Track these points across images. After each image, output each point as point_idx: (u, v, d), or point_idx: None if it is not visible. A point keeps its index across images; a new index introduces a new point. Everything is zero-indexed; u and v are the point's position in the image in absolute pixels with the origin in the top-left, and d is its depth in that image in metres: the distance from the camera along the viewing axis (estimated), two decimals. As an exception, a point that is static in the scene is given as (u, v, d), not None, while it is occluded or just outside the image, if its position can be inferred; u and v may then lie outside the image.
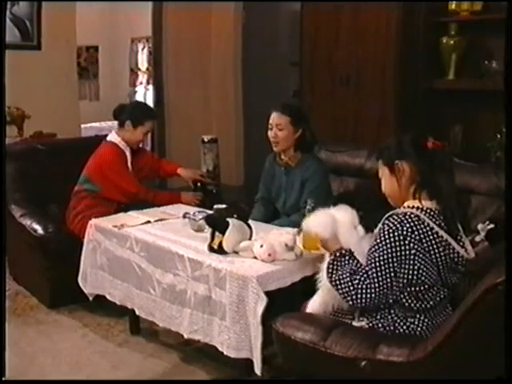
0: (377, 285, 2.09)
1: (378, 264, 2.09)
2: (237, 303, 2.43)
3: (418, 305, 2.15)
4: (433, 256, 2.11)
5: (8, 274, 3.90)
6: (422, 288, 2.12)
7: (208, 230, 2.72)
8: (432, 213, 2.13)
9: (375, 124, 4.32)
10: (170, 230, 3.02)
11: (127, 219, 3.22)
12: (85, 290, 3.28)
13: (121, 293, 3.07)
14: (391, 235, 2.08)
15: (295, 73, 5.00)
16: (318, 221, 2.31)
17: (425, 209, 2.13)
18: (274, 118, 3.31)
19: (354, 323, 2.24)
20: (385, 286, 2.09)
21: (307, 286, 2.45)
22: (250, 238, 2.67)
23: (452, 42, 4.03)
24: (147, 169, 3.87)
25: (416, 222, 2.09)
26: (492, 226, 2.62)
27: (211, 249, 2.65)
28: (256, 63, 6.03)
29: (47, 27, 5.12)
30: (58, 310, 3.54)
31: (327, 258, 2.26)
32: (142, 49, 9.38)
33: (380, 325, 2.20)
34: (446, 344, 1.89)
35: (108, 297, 3.16)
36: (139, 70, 9.62)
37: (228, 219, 2.64)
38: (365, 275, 2.11)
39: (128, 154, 3.70)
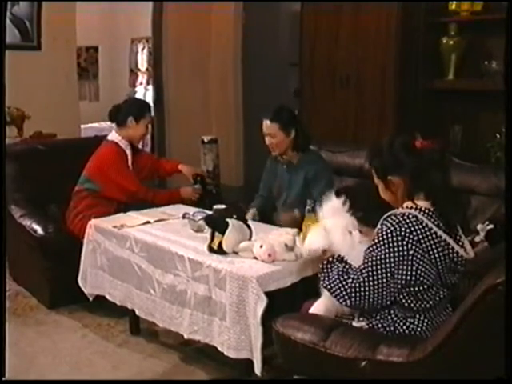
0: (371, 283, 2.09)
1: (373, 264, 2.10)
2: (237, 303, 2.43)
3: (417, 305, 2.15)
4: (431, 256, 2.11)
5: (8, 275, 3.89)
6: (420, 288, 2.12)
7: (208, 231, 2.72)
8: (430, 213, 2.13)
9: (375, 124, 4.32)
10: (170, 231, 3.02)
11: (127, 219, 3.22)
12: (85, 290, 3.28)
13: (121, 293, 3.07)
14: (389, 236, 2.08)
15: (295, 73, 5.00)
16: (310, 238, 2.36)
17: (423, 209, 2.13)
18: (265, 126, 3.36)
19: (354, 323, 2.24)
20: (380, 285, 2.09)
21: (307, 287, 2.45)
22: (249, 239, 2.68)
23: (452, 42, 4.03)
24: (147, 169, 3.87)
25: (414, 223, 2.09)
26: (492, 226, 2.63)
27: (211, 249, 2.65)
28: (256, 63, 6.03)
29: (47, 28, 5.12)
30: (57, 311, 3.54)
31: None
32: (142, 49, 9.38)
33: (380, 325, 2.20)
34: (445, 344, 1.89)
35: (108, 297, 3.16)
36: (139, 70, 9.62)
37: (228, 219, 2.64)
38: (358, 274, 2.13)
39: (129, 152, 3.71)
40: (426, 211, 2.12)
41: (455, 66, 4.05)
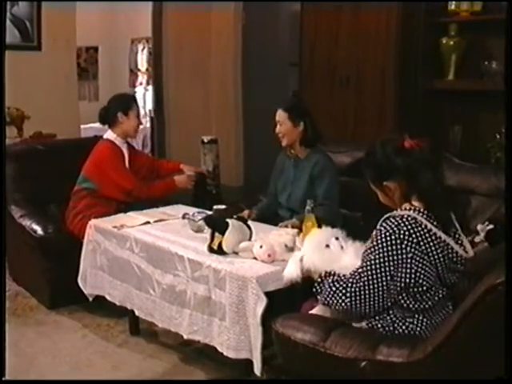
0: (371, 287, 2.09)
1: (372, 267, 2.09)
2: (236, 304, 2.43)
3: (416, 305, 2.15)
4: (431, 258, 2.10)
5: (8, 275, 3.89)
6: (420, 289, 2.12)
7: (207, 231, 2.72)
8: (427, 213, 2.13)
9: (375, 124, 4.32)
10: (170, 231, 3.02)
11: (127, 220, 3.22)
12: (84, 290, 3.28)
13: (120, 293, 3.07)
14: (388, 239, 2.08)
15: (295, 73, 5.00)
16: (287, 268, 2.36)
17: (421, 210, 2.13)
18: (277, 114, 3.48)
19: (354, 324, 2.24)
20: (380, 288, 2.09)
21: (307, 287, 2.44)
22: (249, 239, 2.68)
23: (452, 42, 4.03)
24: (145, 169, 3.86)
25: (413, 225, 2.08)
26: (492, 226, 2.63)
27: (211, 249, 2.65)
28: (256, 64, 6.03)
29: (47, 28, 5.12)
30: (57, 311, 3.54)
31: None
32: (142, 49, 9.37)
33: (379, 325, 2.19)
34: (445, 344, 1.88)
35: (108, 297, 3.16)
36: (139, 70, 9.61)
37: (227, 220, 2.64)
38: (357, 278, 2.12)
39: (125, 150, 3.71)
40: (424, 212, 2.12)
41: (455, 66, 4.05)
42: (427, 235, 2.09)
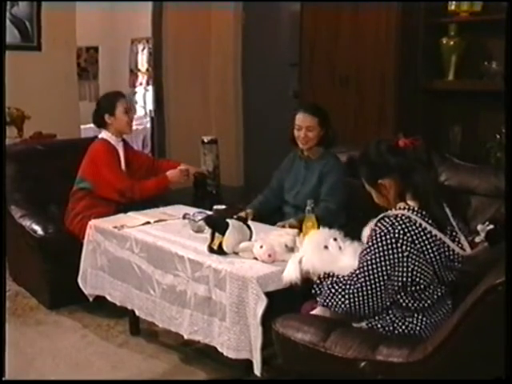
0: (368, 287, 2.10)
1: (369, 268, 2.10)
2: (237, 304, 2.43)
3: (415, 304, 2.15)
4: (427, 256, 2.11)
5: (8, 275, 3.89)
6: (417, 288, 2.13)
7: (208, 231, 2.72)
8: (422, 212, 2.14)
9: (375, 125, 4.32)
10: (170, 231, 3.02)
11: (127, 220, 3.22)
12: (85, 290, 3.28)
13: (121, 293, 3.07)
14: (383, 238, 2.09)
15: (295, 73, 5.00)
16: (286, 270, 2.37)
17: (415, 209, 2.14)
18: (304, 119, 3.39)
19: (354, 324, 2.24)
20: (377, 289, 2.10)
21: (307, 287, 2.44)
22: (249, 239, 2.68)
23: (452, 42, 4.03)
24: (144, 170, 3.84)
25: (408, 224, 2.09)
26: (492, 226, 2.63)
27: (211, 249, 2.65)
28: (255, 64, 6.03)
29: (47, 28, 5.11)
30: (57, 311, 3.54)
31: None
32: (142, 50, 9.38)
33: (379, 325, 2.20)
34: (445, 345, 1.89)
35: (108, 297, 3.16)
36: (139, 70, 9.62)
37: (228, 220, 2.64)
38: (354, 279, 2.13)
39: (121, 149, 3.71)
40: (419, 211, 2.13)
41: (455, 66, 4.05)
42: (422, 233, 2.10)
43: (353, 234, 2.43)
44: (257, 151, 6.11)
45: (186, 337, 2.72)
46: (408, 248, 2.08)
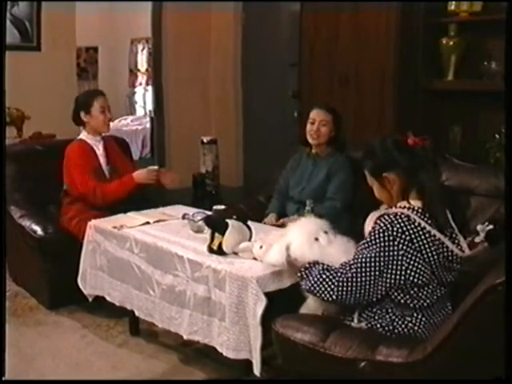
0: (358, 280, 2.12)
1: (363, 261, 2.13)
2: (236, 304, 2.43)
3: (414, 302, 2.17)
4: (425, 255, 2.12)
5: (7, 275, 3.89)
6: (414, 287, 2.14)
7: (207, 231, 2.72)
8: (423, 212, 2.14)
9: (374, 124, 4.32)
10: (170, 231, 3.02)
11: (126, 220, 3.22)
12: (84, 290, 3.28)
13: (120, 294, 3.07)
14: (381, 235, 2.11)
15: (294, 74, 5.00)
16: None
17: (416, 208, 2.15)
18: (318, 114, 3.51)
19: (353, 324, 2.25)
20: (367, 282, 2.12)
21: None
22: (249, 239, 2.68)
23: (451, 42, 4.02)
24: (120, 172, 3.67)
25: (406, 222, 2.11)
26: (491, 226, 2.63)
27: (211, 250, 2.65)
28: (255, 64, 6.03)
29: (47, 28, 5.12)
30: (57, 311, 3.54)
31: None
32: (142, 50, 9.39)
33: (379, 325, 2.20)
34: (445, 345, 1.89)
35: (107, 298, 3.16)
36: (139, 70, 9.63)
37: (227, 220, 2.64)
38: (347, 269, 2.16)
39: (100, 148, 3.69)
40: (420, 210, 2.14)
41: (455, 66, 4.05)
42: (421, 233, 2.11)
43: (355, 233, 2.43)
44: (256, 151, 6.11)
45: (185, 337, 2.72)
46: (404, 247, 2.10)
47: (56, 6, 5.09)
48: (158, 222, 3.21)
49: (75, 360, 3.03)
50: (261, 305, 2.36)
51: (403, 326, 2.17)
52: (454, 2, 3.93)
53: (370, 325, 2.22)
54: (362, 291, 2.14)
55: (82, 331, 3.33)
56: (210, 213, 3.11)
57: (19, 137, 4.80)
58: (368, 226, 2.28)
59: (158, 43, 6.20)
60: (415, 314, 2.17)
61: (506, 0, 3.43)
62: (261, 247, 2.55)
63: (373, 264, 2.11)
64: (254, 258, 2.57)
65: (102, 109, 3.67)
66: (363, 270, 2.12)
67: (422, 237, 2.11)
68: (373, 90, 4.34)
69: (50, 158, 3.99)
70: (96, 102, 3.65)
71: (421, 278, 2.13)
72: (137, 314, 3.01)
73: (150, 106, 8.66)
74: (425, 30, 4.06)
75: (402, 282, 2.13)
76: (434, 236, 2.13)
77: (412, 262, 2.11)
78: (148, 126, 8.71)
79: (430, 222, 2.13)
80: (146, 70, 9.26)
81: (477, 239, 2.64)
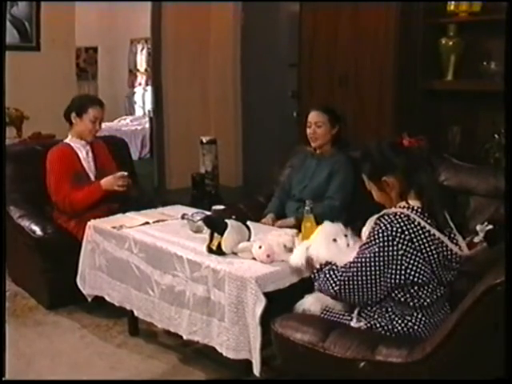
0: (359, 279, 2.14)
1: (363, 260, 2.14)
2: (236, 304, 2.43)
3: (414, 302, 2.17)
4: (425, 254, 2.13)
5: (7, 275, 3.89)
6: (415, 286, 2.15)
7: (206, 231, 2.72)
8: (422, 211, 2.15)
9: (374, 125, 4.32)
10: (169, 231, 3.02)
11: (126, 220, 3.22)
12: (83, 291, 3.28)
13: (119, 294, 3.06)
14: (381, 235, 2.12)
15: (294, 74, 5.00)
16: (293, 255, 2.46)
17: (415, 208, 2.15)
18: (314, 116, 3.53)
19: (353, 324, 2.25)
20: (367, 282, 2.13)
21: (306, 287, 2.45)
22: (248, 239, 2.67)
23: (451, 43, 4.03)
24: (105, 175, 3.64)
25: (406, 222, 2.11)
26: (491, 226, 2.64)
27: (210, 250, 2.65)
28: (255, 64, 6.03)
29: (46, 28, 5.12)
30: (56, 311, 3.53)
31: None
32: (141, 50, 9.39)
33: (378, 324, 2.20)
34: (444, 345, 1.89)
35: (107, 298, 3.16)
36: (138, 70, 9.63)
37: (226, 220, 2.64)
38: (348, 268, 2.18)
39: (84, 153, 3.65)
40: (419, 210, 2.15)
41: (454, 66, 4.05)
42: (420, 232, 2.12)
43: (353, 233, 2.44)
44: (256, 151, 6.11)
45: (184, 337, 2.72)
46: (404, 246, 2.10)
47: (55, 6, 5.09)
48: (157, 222, 3.21)
49: (74, 360, 3.02)
50: (260, 305, 2.35)
51: (403, 325, 2.18)
52: (453, 2, 3.93)
53: (369, 324, 2.22)
54: (364, 290, 2.15)
55: (81, 331, 3.33)
56: (209, 213, 3.11)
57: (19, 137, 4.80)
58: (366, 231, 2.28)
59: (157, 43, 6.20)
60: (415, 314, 2.18)
61: (505, 0, 3.43)
62: (260, 247, 2.55)
63: (372, 263, 2.12)
64: (253, 258, 2.57)
65: (95, 119, 3.62)
66: (363, 269, 2.14)
67: (422, 236, 2.12)
68: (372, 90, 4.34)
69: (50, 158, 3.99)
70: (91, 110, 3.61)
71: (421, 277, 2.13)
72: (136, 314, 3.01)
73: (149, 106, 8.65)
74: (424, 30, 4.06)
75: (402, 282, 2.13)
76: (434, 235, 2.13)
77: (412, 262, 2.12)
78: (147, 126, 8.71)
79: (429, 221, 2.14)
80: (146, 70, 9.26)
81: (476, 239, 2.64)
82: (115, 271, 3.07)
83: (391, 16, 4.13)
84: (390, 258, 2.10)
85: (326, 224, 2.49)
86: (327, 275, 2.24)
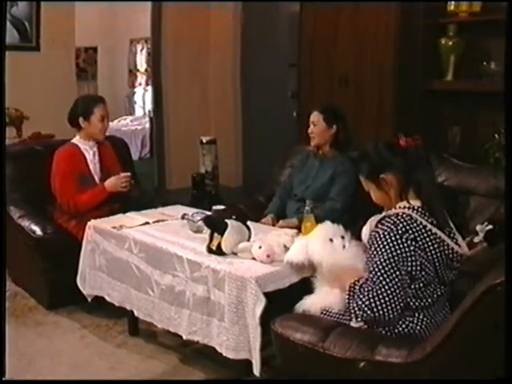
0: (386, 288, 2.07)
1: (381, 268, 2.08)
2: (235, 304, 2.43)
3: (416, 303, 2.16)
4: (428, 253, 2.12)
5: (7, 275, 3.89)
6: (418, 286, 2.13)
7: (207, 231, 2.72)
8: (423, 211, 2.15)
9: (374, 125, 4.32)
10: (169, 231, 3.02)
11: (126, 220, 3.22)
12: (83, 291, 3.28)
13: (119, 294, 3.06)
14: (387, 237, 2.09)
15: (294, 74, 5.00)
16: (291, 252, 2.45)
17: (416, 207, 2.15)
18: (312, 115, 3.56)
19: (353, 324, 2.24)
20: (395, 287, 2.07)
21: (306, 287, 2.45)
22: (248, 239, 2.67)
23: (451, 43, 4.03)
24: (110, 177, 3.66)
25: (409, 222, 2.11)
26: (491, 226, 2.64)
27: (210, 250, 2.65)
28: (254, 64, 6.03)
29: (46, 28, 5.12)
30: (56, 311, 3.53)
31: None
32: (141, 50, 9.39)
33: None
34: (444, 345, 1.89)
35: (107, 298, 3.16)
36: (138, 71, 9.63)
37: (226, 220, 2.64)
38: (371, 284, 2.10)
39: (91, 153, 3.66)
40: (420, 209, 2.14)
41: (454, 66, 4.05)
42: (423, 231, 2.12)
43: (353, 235, 2.44)
44: (256, 151, 6.11)
45: (184, 337, 2.72)
46: (412, 243, 2.09)
47: (55, 6, 5.09)
48: (157, 222, 3.21)
49: (74, 360, 3.02)
50: (260, 305, 2.35)
51: (403, 325, 2.17)
52: (453, 3, 3.94)
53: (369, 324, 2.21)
54: (396, 298, 2.07)
55: (81, 331, 3.33)
56: (209, 213, 3.11)
57: (18, 137, 4.80)
58: (366, 231, 2.28)
59: (157, 43, 6.20)
60: (416, 314, 2.17)
61: (505, 0, 3.43)
62: (260, 247, 2.55)
63: (390, 267, 2.06)
64: (253, 258, 2.57)
65: (102, 117, 3.63)
66: (385, 276, 2.07)
67: (425, 235, 2.11)
68: (372, 90, 4.34)
69: (49, 158, 3.99)
70: (97, 110, 3.61)
71: (425, 276, 2.12)
72: (136, 314, 3.01)
73: (149, 106, 8.66)
74: (424, 30, 4.07)
75: (416, 278, 2.11)
76: (436, 234, 2.13)
77: (420, 259, 2.10)
78: (147, 126, 8.71)
79: (430, 220, 2.14)
80: (146, 70, 9.26)
81: (476, 239, 2.65)
82: (115, 271, 3.07)
83: (391, 16, 4.13)
84: (404, 254, 2.08)
85: (325, 224, 2.48)
86: (354, 303, 2.14)
